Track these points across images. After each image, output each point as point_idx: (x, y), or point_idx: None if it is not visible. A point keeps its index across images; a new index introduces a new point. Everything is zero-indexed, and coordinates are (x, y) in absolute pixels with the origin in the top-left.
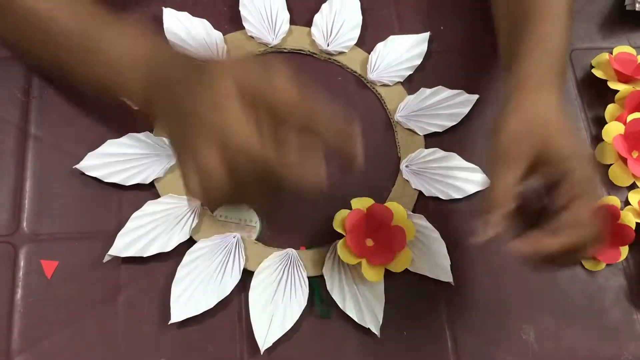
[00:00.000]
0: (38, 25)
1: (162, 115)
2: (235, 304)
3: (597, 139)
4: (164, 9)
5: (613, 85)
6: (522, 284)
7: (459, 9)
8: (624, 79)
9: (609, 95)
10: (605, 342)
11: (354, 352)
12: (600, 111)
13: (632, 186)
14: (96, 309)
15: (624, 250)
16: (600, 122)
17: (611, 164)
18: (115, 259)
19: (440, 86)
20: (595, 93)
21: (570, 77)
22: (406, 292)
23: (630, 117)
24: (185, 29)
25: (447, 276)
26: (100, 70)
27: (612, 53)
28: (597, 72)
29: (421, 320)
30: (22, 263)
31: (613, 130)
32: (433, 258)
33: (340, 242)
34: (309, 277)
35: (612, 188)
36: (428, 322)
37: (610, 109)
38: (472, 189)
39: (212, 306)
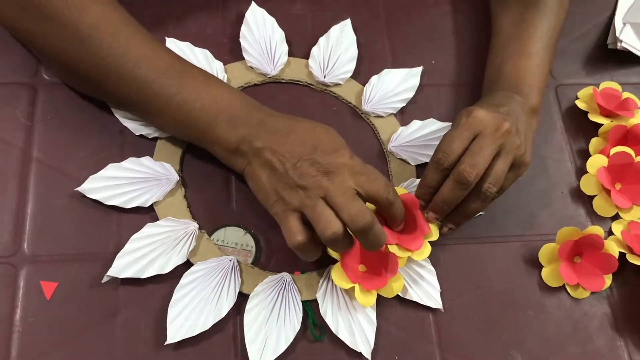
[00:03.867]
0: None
1: (256, 163)
2: (231, 326)
3: (581, 171)
4: (166, 38)
5: (593, 117)
6: (509, 311)
7: (449, 44)
8: (605, 113)
9: (593, 129)
10: None
11: None
12: (585, 144)
13: (616, 217)
14: (94, 330)
15: (608, 279)
16: (585, 155)
17: (595, 195)
18: (114, 280)
19: (431, 118)
20: (580, 127)
21: (555, 111)
22: (398, 317)
23: (613, 151)
24: (187, 58)
25: (436, 303)
26: (190, 121)
27: (598, 87)
28: (580, 104)
29: (412, 345)
30: (22, 284)
31: (597, 162)
32: (423, 285)
33: (334, 267)
34: (302, 301)
35: (596, 218)
36: (419, 348)
37: (594, 142)
38: None
39: (207, 328)
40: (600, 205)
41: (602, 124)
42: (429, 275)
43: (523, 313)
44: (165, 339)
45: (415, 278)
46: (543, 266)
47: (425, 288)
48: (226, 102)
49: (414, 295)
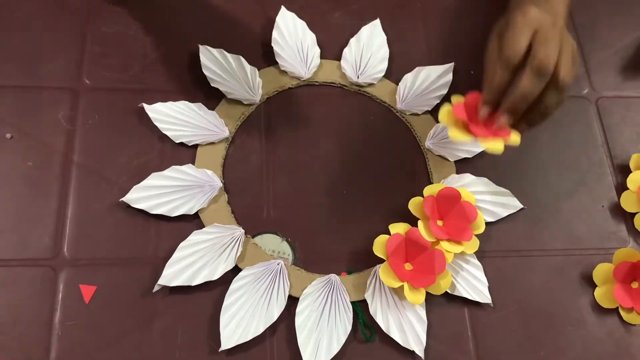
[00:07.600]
0: None
1: None
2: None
3: (622, 187)
4: (200, 46)
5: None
6: (549, 326)
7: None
8: None
9: (634, 144)
10: None
11: None
12: (626, 159)
13: None
14: (132, 335)
15: None
16: (625, 171)
17: (637, 213)
18: (152, 285)
19: None
20: (621, 141)
21: (597, 124)
22: (436, 331)
23: None
24: (221, 64)
25: (485, 298)
26: None
27: None
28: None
29: (450, 359)
30: (61, 287)
31: (638, 179)
32: (471, 280)
33: (382, 267)
34: (351, 302)
35: (638, 236)
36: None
37: (635, 158)
38: (504, 212)
39: (260, 333)
40: None
41: None
42: (476, 270)
43: (563, 329)
44: (201, 345)
45: (462, 274)
46: (586, 280)
47: (473, 283)
48: None
49: (462, 291)
